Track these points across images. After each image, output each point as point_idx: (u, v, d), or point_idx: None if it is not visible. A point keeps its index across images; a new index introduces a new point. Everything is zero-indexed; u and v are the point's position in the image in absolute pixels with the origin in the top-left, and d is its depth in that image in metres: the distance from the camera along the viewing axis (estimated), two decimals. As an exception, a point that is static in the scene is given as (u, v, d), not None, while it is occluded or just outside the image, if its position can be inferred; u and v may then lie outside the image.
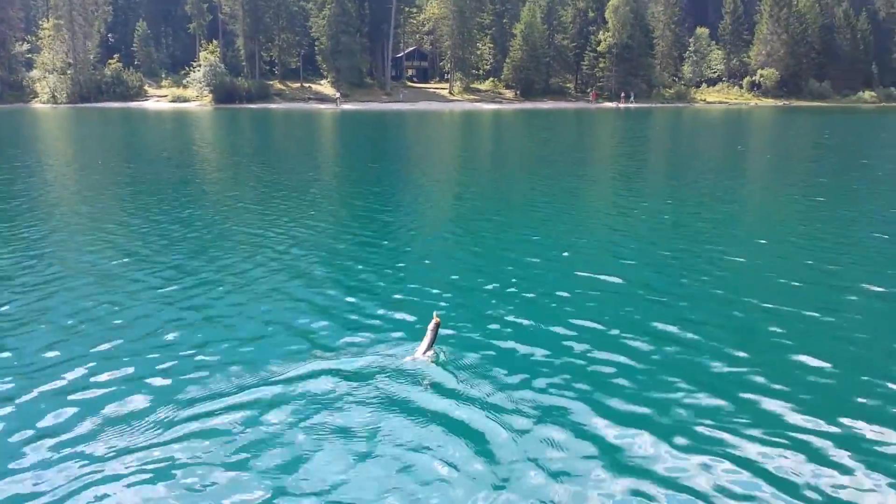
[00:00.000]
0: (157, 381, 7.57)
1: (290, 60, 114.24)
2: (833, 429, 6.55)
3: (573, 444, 6.29)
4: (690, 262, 13.01)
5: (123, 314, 9.77)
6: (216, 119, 70.46)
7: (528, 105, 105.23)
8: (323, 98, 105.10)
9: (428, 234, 15.78)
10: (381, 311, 9.83)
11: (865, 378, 7.72)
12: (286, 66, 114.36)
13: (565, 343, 8.63)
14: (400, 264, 12.68)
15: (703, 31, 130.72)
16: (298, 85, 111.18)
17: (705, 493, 5.59)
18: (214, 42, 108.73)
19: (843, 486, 5.65)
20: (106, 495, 5.60)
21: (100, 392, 7.34)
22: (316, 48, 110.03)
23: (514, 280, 11.38)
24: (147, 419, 6.72)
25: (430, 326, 7.91)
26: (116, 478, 5.79)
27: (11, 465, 6.01)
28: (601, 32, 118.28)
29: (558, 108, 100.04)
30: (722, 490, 5.62)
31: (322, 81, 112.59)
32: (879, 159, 34.74)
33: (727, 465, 5.94)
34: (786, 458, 6.05)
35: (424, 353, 7.87)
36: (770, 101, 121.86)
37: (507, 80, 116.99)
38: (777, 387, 7.39)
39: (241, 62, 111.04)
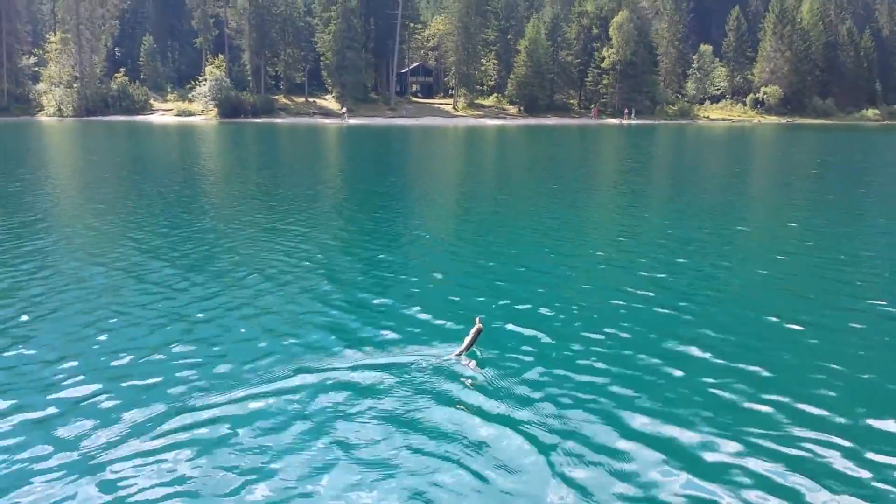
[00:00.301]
0: (201, 374, 7.95)
1: (296, 75, 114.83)
2: (863, 430, 6.63)
3: (610, 444, 6.47)
4: (709, 273, 13.09)
5: (167, 316, 10.17)
6: (222, 133, 70.74)
7: (532, 121, 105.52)
8: (328, 113, 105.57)
9: (450, 245, 15.89)
10: (421, 315, 10.19)
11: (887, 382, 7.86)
12: (291, 80, 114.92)
13: (596, 348, 8.80)
14: (432, 273, 12.81)
15: (706, 48, 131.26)
16: (303, 100, 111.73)
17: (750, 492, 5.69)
18: (220, 56, 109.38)
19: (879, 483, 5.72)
20: (143, 474, 5.91)
21: (136, 383, 7.70)
22: (321, 63, 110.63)
23: (540, 290, 11.54)
24: (186, 407, 7.10)
25: (473, 331, 8.36)
26: (152, 459, 6.11)
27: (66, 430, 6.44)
28: (605, 49, 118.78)
29: (562, 125, 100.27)
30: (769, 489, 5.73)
31: (327, 96, 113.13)
32: (886, 176, 34.85)
33: (772, 465, 6.09)
34: (814, 454, 6.20)
35: (463, 353, 8.29)
36: (773, 119, 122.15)
37: (510, 95, 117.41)
38: (798, 389, 7.50)
39: (246, 77, 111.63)
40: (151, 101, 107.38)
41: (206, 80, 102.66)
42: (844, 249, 15.76)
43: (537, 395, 7.48)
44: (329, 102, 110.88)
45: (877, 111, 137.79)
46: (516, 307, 10.63)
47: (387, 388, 7.55)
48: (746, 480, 5.87)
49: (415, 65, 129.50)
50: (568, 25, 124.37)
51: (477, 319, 8.45)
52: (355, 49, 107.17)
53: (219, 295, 11.22)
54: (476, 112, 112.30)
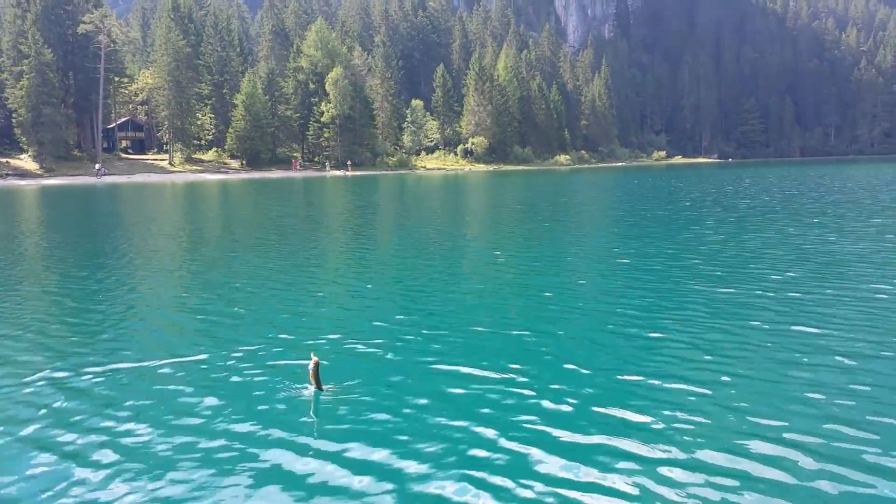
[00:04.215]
0: None
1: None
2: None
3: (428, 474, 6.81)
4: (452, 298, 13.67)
5: None
6: None
7: (256, 175, 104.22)
8: (24, 174, 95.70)
9: (168, 299, 14.97)
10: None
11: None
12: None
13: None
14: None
15: (418, 103, 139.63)
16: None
17: None
18: None
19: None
20: None
21: None
22: (14, 120, 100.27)
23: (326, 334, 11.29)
24: None
25: (311, 367, 8.65)
26: None
27: None
28: (324, 104, 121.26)
29: (287, 178, 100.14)
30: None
31: (22, 156, 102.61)
32: (582, 209, 39.13)
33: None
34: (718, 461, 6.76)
35: (317, 386, 8.72)
36: (482, 167, 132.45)
37: (231, 150, 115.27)
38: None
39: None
40: None
41: None
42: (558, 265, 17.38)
43: (380, 424, 8.01)
44: (25, 162, 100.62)
45: (567, 156, 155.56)
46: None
47: (234, 424, 7.94)
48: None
49: (123, 120, 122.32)
50: (284, 80, 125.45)
51: (312, 354, 8.77)
52: (53, 105, 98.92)
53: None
54: (195, 167, 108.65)
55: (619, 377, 9.54)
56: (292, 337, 11.70)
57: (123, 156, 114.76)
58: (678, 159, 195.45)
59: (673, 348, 10.89)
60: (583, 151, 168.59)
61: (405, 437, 7.63)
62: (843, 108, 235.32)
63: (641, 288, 15.67)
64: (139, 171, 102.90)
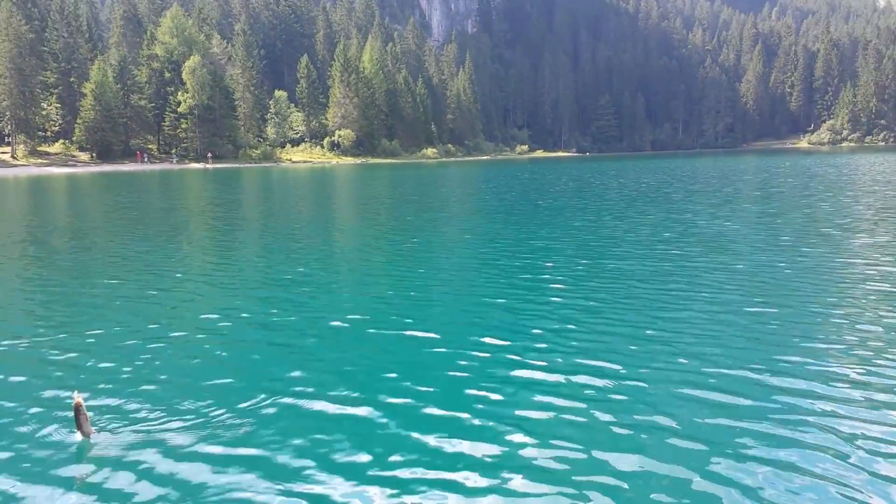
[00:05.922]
0: None
1: None
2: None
3: None
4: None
5: None
6: None
7: (108, 168, 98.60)
8: None
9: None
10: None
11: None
12: None
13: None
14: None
15: (281, 94, 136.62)
16: None
17: None
18: None
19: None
20: None
21: None
22: None
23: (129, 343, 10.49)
24: None
25: (74, 408, 7.26)
26: None
27: None
28: (181, 94, 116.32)
29: (141, 170, 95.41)
30: None
31: None
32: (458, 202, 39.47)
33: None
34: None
35: (82, 431, 7.30)
36: (349, 159, 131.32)
37: (80, 141, 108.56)
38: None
39: None
40: None
41: None
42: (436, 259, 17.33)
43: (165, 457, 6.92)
44: None
45: (434, 150, 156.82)
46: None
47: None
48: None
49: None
50: (138, 68, 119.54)
51: (74, 394, 7.25)
52: None
53: None
54: (41, 160, 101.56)
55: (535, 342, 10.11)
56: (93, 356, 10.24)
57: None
58: (540, 153, 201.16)
59: (575, 310, 11.80)
60: (449, 145, 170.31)
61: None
62: (690, 105, 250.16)
63: (536, 268, 16.35)
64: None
